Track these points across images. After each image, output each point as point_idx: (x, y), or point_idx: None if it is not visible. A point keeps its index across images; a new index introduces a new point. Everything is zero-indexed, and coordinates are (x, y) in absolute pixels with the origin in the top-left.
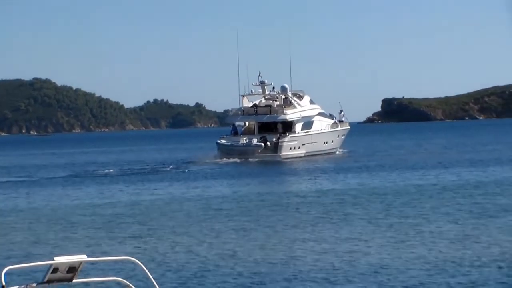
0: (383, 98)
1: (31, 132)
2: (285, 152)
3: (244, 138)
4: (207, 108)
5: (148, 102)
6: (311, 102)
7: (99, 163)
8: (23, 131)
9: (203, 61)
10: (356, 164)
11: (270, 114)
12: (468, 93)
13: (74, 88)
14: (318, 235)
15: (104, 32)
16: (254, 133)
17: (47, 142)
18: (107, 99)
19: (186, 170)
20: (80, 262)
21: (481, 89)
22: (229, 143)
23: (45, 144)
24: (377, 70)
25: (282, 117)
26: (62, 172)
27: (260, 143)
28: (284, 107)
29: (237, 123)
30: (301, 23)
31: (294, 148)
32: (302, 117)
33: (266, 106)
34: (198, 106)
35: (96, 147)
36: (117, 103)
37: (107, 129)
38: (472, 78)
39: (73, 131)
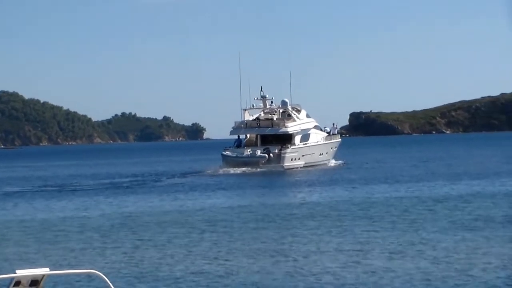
0: (350, 112)
1: None
2: (287, 163)
3: (248, 150)
4: (175, 121)
5: (116, 115)
6: (307, 115)
7: (119, 174)
8: None
9: (170, 74)
10: (363, 175)
11: (272, 127)
12: (435, 107)
13: (41, 101)
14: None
15: (73, 45)
16: (255, 145)
17: (23, 155)
18: (75, 112)
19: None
20: (43, 275)
21: (448, 104)
22: (234, 155)
23: (29, 158)
24: (344, 83)
25: (283, 129)
26: (102, 183)
27: (264, 154)
28: (285, 120)
29: (241, 136)
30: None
31: (295, 159)
32: (301, 129)
33: (268, 119)
34: (166, 119)
35: (86, 159)
36: (84, 116)
37: (74, 142)
38: (439, 92)
39: (41, 144)
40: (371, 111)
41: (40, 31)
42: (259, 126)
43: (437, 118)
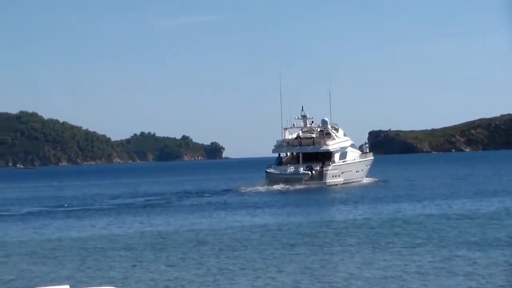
0: (369, 130)
1: (18, 166)
2: (329, 180)
3: (291, 167)
4: (193, 140)
5: (135, 135)
6: (344, 134)
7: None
8: (10, 164)
9: (189, 93)
10: (406, 192)
11: (313, 145)
12: (455, 126)
13: (61, 121)
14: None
15: (91, 65)
16: (295, 163)
17: (44, 175)
18: (94, 132)
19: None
20: None
21: (467, 122)
22: (278, 172)
23: (53, 177)
24: (363, 102)
25: (324, 148)
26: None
27: (307, 172)
28: (325, 138)
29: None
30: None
31: (335, 176)
32: (340, 148)
33: (309, 138)
34: (185, 138)
35: (112, 179)
36: (104, 136)
37: (94, 162)
38: (459, 110)
39: (60, 164)
40: (390, 129)
41: (60, 51)
42: (300, 145)
43: (457, 136)
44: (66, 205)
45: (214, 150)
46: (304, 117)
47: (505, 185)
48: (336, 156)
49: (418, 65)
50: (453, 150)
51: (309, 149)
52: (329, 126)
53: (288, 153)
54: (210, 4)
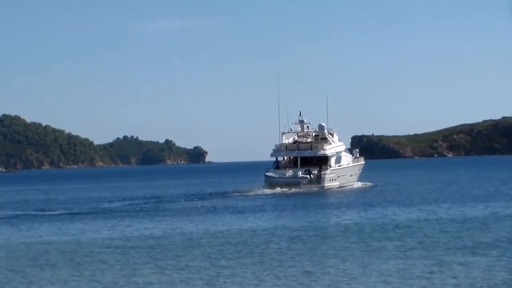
0: (352, 135)
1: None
2: (327, 184)
3: (290, 171)
4: (177, 144)
5: (117, 138)
6: (338, 139)
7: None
8: None
9: (172, 97)
10: (402, 196)
11: (311, 149)
12: (437, 131)
13: (43, 125)
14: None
15: (74, 68)
16: (292, 166)
17: (28, 178)
18: (77, 136)
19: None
20: None
21: (449, 127)
22: (278, 176)
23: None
24: (346, 107)
25: (322, 152)
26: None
27: (306, 176)
28: (323, 143)
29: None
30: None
31: (332, 180)
32: (336, 152)
33: (307, 142)
34: (168, 142)
35: (98, 182)
36: (86, 139)
37: (76, 166)
38: (441, 116)
39: (42, 167)
40: (373, 134)
41: (42, 54)
42: (298, 149)
43: (439, 141)
44: (46, 209)
45: (197, 154)
46: (301, 122)
47: (493, 190)
48: (332, 161)
49: (401, 71)
50: (436, 156)
51: (307, 153)
52: (325, 131)
53: (285, 157)
54: (204, 8)
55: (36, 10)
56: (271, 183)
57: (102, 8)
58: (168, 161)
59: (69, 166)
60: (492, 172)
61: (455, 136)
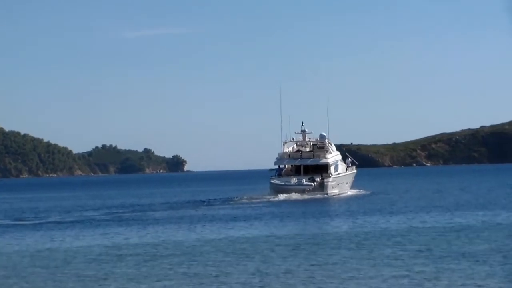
0: None
1: None
2: (329, 191)
3: (295, 179)
4: (155, 153)
5: (96, 147)
6: (336, 149)
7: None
8: None
9: (151, 105)
10: (401, 205)
11: (313, 158)
12: (416, 140)
13: (22, 133)
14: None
15: (53, 76)
16: (293, 174)
17: (6, 187)
18: (55, 145)
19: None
20: None
21: (428, 136)
22: (283, 183)
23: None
24: (325, 115)
25: (323, 160)
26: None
27: (310, 183)
28: (325, 152)
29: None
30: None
31: (333, 188)
32: (335, 161)
33: (309, 151)
34: (147, 151)
35: (80, 191)
36: (65, 148)
37: (55, 175)
38: (420, 125)
39: (21, 176)
40: (351, 143)
41: (20, 62)
42: (301, 157)
43: (418, 150)
44: (28, 217)
45: (176, 163)
46: (303, 131)
47: (483, 199)
48: (332, 169)
49: (379, 79)
50: (414, 165)
51: (310, 162)
52: (326, 140)
53: (287, 165)
54: (189, 15)
55: (17, 16)
56: (276, 190)
57: (84, 16)
58: (147, 170)
59: (47, 175)
60: (475, 181)
61: (433, 145)
